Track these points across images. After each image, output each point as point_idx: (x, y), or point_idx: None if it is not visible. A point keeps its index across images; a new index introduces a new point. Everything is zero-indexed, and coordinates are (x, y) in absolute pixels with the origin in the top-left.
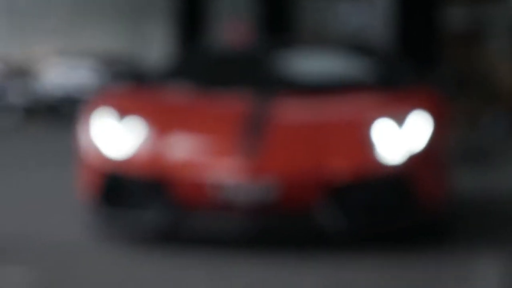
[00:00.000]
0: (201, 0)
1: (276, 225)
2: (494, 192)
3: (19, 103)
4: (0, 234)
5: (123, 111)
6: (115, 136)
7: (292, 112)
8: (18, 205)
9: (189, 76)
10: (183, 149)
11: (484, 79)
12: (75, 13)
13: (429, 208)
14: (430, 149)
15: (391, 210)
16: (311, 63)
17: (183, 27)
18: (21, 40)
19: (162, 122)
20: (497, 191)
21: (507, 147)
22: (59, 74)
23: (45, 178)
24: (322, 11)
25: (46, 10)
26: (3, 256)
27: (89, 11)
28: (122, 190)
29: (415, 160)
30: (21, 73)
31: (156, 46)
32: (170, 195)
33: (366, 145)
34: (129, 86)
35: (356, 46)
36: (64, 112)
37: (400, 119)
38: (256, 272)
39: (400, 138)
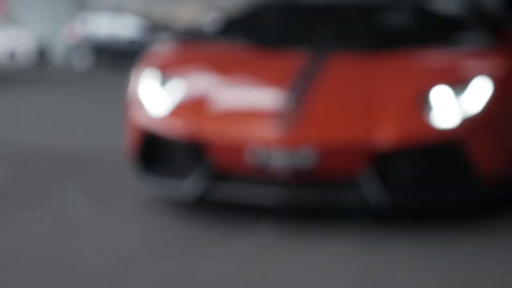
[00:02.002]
0: None
1: (314, 195)
2: None
3: None
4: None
5: (167, 72)
6: (157, 96)
7: (344, 73)
8: None
9: (243, 33)
10: (222, 110)
11: None
12: None
13: (490, 178)
14: (489, 114)
15: (445, 179)
16: (372, 22)
17: None
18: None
19: (201, 82)
20: None
21: None
22: None
23: None
24: None
25: None
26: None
27: None
28: (158, 149)
29: (472, 125)
30: (164, 28)
31: None
32: (207, 157)
33: (418, 112)
34: (178, 45)
35: (426, 3)
36: None
37: (457, 86)
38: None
39: (457, 105)
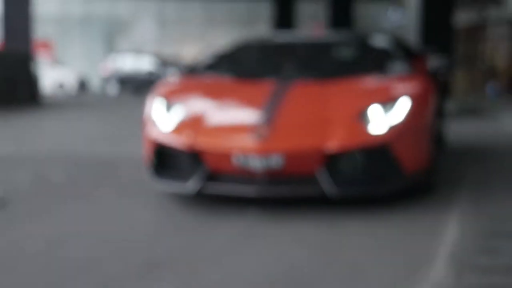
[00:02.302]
0: (290, 9)
1: (283, 189)
2: (482, 133)
3: None
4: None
5: (170, 99)
6: (164, 117)
7: (303, 96)
8: None
9: (227, 67)
10: (213, 126)
11: (485, 60)
12: (208, 23)
13: (411, 171)
14: (408, 124)
15: (378, 173)
16: (326, 54)
17: (278, 27)
18: (169, 42)
19: (197, 105)
20: (484, 132)
21: (496, 106)
22: None
23: None
24: (374, 14)
25: (187, 20)
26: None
27: (218, 21)
28: (166, 156)
29: (396, 132)
30: (172, 63)
31: None
32: (203, 162)
33: (358, 123)
34: (180, 78)
35: (365, 41)
36: None
37: (387, 104)
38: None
39: (386, 117)
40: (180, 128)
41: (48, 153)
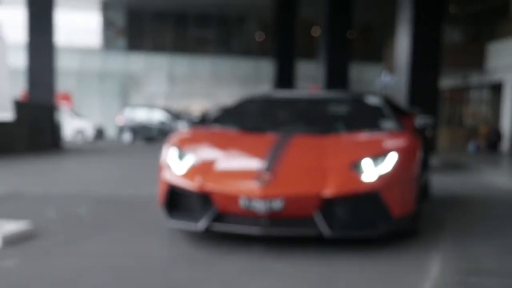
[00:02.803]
0: (290, 69)
1: (284, 229)
2: (464, 185)
3: None
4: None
5: (182, 147)
6: (177, 162)
7: (302, 149)
8: None
9: (232, 120)
10: (221, 172)
11: (467, 121)
12: (214, 79)
13: (398, 216)
14: (396, 174)
15: (368, 217)
16: (323, 110)
17: (279, 86)
18: (178, 96)
19: (206, 153)
20: (466, 184)
21: (476, 162)
22: None
23: None
24: (368, 76)
25: (195, 77)
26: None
27: (224, 78)
28: (178, 197)
29: (385, 180)
30: (180, 116)
31: None
32: (212, 203)
33: (352, 173)
34: (190, 129)
35: (359, 100)
36: None
37: (378, 157)
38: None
39: (376, 168)
40: (191, 172)
41: (71, 193)
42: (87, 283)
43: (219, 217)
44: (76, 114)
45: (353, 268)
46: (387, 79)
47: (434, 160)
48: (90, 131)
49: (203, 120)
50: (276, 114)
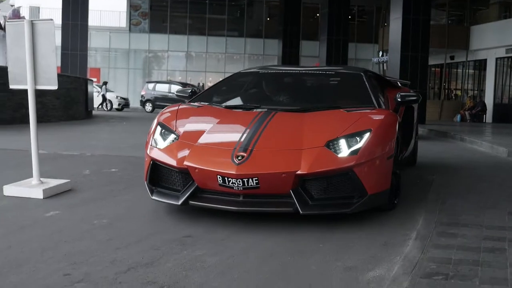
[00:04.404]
0: (295, 48)
1: (260, 204)
2: (450, 150)
3: None
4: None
5: (167, 123)
6: (161, 138)
7: (280, 127)
8: None
9: (221, 96)
10: (201, 149)
11: (454, 94)
12: (226, 59)
13: (374, 193)
14: (371, 151)
15: (342, 193)
16: (309, 86)
17: (285, 63)
18: (195, 72)
19: (189, 130)
20: (452, 150)
21: (462, 131)
22: None
23: None
24: (363, 54)
25: (208, 56)
26: None
27: (237, 55)
28: (161, 172)
29: (359, 158)
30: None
31: None
32: (191, 178)
33: (326, 152)
34: (178, 106)
35: (345, 75)
36: None
37: (352, 136)
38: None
39: (350, 147)
40: (173, 148)
41: (103, 154)
42: (122, 227)
43: (199, 192)
44: (105, 87)
45: (352, 223)
46: (381, 58)
47: (424, 130)
48: (117, 102)
49: (193, 96)
50: (263, 89)
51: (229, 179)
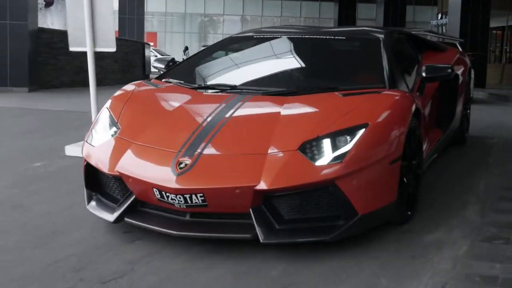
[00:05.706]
0: (350, 10)
1: (207, 227)
2: (508, 117)
3: None
4: None
5: (114, 110)
6: (100, 131)
7: (247, 120)
8: None
9: (196, 71)
10: (140, 149)
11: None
12: (281, 22)
13: (369, 211)
14: (365, 154)
15: (320, 214)
16: (304, 58)
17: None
18: None
19: (134, 121)
20: (510, 116)
21: None
22: None
23: None
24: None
25: (263, 20)
26: None
27: (293, 18)
28: (96, 177)
29: (346, 165)
30: None
31: None
32: (126, 186)
33: (300, 157)
34: (136, 86)
35: (359, 40)
36: None
37: (340, 134)
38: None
39: (335, 150)
40: (109, 146)
41: None
42: None
43: (140, 205)
44: (161, 51)
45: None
46: (440, 20)
47: (484, 94)
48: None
49: (169, 69)
50: (249, 61)
51: (167, 194)
